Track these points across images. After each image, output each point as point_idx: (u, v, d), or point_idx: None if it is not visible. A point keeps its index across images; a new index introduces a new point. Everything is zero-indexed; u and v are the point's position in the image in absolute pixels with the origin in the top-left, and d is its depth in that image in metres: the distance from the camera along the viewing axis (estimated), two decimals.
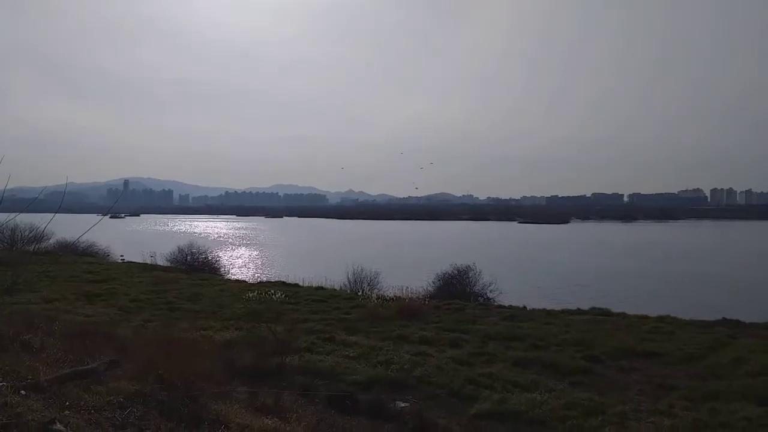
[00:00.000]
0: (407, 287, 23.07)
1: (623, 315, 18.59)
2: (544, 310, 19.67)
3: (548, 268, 43.25)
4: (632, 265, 45.92)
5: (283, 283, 26.54)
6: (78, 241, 29.73)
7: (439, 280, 24.88)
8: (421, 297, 20.45)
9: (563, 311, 19.50)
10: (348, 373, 10.31)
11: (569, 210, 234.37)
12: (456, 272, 24.85)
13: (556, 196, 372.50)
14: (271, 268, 41.16)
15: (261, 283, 27.19)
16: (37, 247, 27.05)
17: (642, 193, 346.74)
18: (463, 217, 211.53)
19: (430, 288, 24.25)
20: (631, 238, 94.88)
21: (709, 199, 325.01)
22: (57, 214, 6.96)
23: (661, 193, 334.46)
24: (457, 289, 23.85)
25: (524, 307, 20.25)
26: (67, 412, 4.18)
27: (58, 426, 3.75)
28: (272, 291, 20.26)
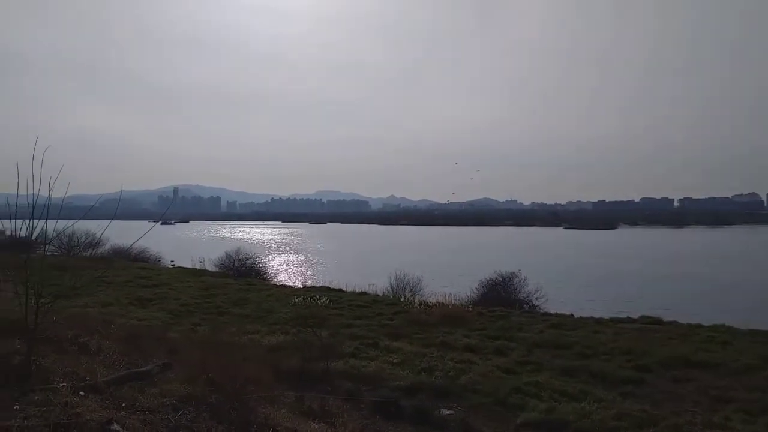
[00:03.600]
0: (450, 293, 22.97)
1: (675, 324, 17.98)
2: (591, 318, 19.23)
3: (595, 275, 42.26)
4: (683, 271, 44.39)
5: (328, 288, 26.78)
6: (131, 247, 30.86)
7: (482, 287, 24.64)
8: (464, 303, 20.32)
9: (612, 320, 19.01)
10: (392, 379, 10.34)
11: (617, 215, 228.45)
12: (500, 279, 24.56)
13: (603, 200, 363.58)
14: (315, 274, 41.61)
15: (306, 288, 27.51)
16: (93, 252, 28.19)
17: (693, 197, 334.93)
18: (506, 222, 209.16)
19: (473, 295, 24.05)
20: (682, 243, 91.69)
21: (765, 204, 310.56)
22: (111, 221, 7.28)
23: (714, 198, 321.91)
24: (501, 296, 23.57)
25: (571, 315, 19.84)
26: (123, 412, 4.37)
27: (115, 426, 3.93)
28: (317, 296, 20.48)
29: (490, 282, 24.71)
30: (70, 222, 6.79)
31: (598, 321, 18.49)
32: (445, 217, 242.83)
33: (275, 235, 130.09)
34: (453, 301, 20.81)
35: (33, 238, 5.74)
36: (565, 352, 13.39)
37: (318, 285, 29.43)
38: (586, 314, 20.30)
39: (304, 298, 19.70)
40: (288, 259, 59.10)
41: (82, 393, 4.56)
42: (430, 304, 18.91)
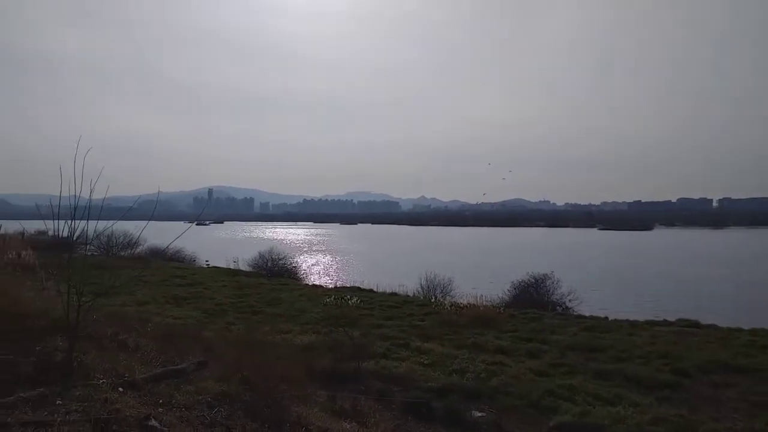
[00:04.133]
0: (481, 295, 22.80)
1: (714, 327, 17.48)
2: (627, 320, 18.83)
3: (630, 277, 41.39)
4: (722, 273, 43.13)
5: (359, 288, 26.88)
6: (168, 248, 31.51)
7: (514, 289, 24.39)
8: (496, 305, 20.14)
9: (648, 322, 18.58)
10: (423, 380, 10.32)
11: (653, 216, 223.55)
12: (533, 280, 24.26)
13: (639, 201, 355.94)
14: (346, 274, 41.79)
15: (337, 288, 27.66)
16: (130, 252, 28.94)
17: (733, 197, 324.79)
18: (539, 223, 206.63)
19: (505, 296, 23.83)
20: (720, 245, 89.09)
21: None
22: (148, 222, 7.46)
23: (755, 198, 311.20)
24: (533, 297, 23.27)
25: (606, 318, 19.48)
26: (160, 409, 4.48)
27: (153, 422, 4.03)
28: (348, 296, 20.62)
29: (522, 284, 24.44)
30: (110, 223, 6.97)
31: (634, 324, 18.10)
32: (476, 218, 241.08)
33: (307, 235, 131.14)
34: (484, 302, 20.65)
35: (74, 238, 5.92)
36: (599, 355, 13.16)
37: (349, 285, 29.57)
38: (621, 317, 19.90)
39: (335, 298, 19.92)
40: (319, 259, 59.50)
41: (121, 389, 4.69)
42: (461, 306, 18.79)
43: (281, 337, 12.46)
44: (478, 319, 16.62)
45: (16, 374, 4.61)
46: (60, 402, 4.18)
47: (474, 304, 19.25)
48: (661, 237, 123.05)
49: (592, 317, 19.74)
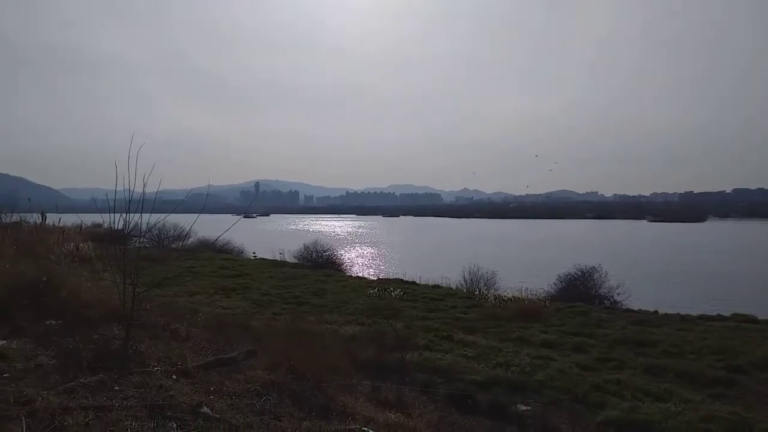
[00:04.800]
0: (526, 288, 22.51)
1: None
2: (678, 315, 18.26)
3: (681, 270, 40.01)
4: None
5: (401, 280, 26.93)
6: (217, 240, 32.28)
7: (560, 282, 23.94)
8: (541, 299, 19.85)
9: (700, 317, 17.99)
10: (467, 373, 10.29)
11: (706, 207, 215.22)
12: (579, 273, 23.77)
13: (691, 192, 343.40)
14: (389, 266, 41.89)
15: (380, 280, 27.79)
16: (180, 244, 29.80)
17: None
18: (587, 215, 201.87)
19: (551, 289, 23.44)
20: None
21: None
22: (195, 215, 7.68)
23: None
24: (580, 291, 22.81)
25: (655, 312, 18.93)
26: (211, 396, 4.62)
27: (205, 409, 4.17)
28: (391, 288, 20.72)
29: (568, 277, 23.97)
30: (162, 215, 7.20)
31: (685, 318, 17.56)
32: (521, 210, 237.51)
33: (350, 227, 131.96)
34: (529, 295, 20.39)
35: (128, 231, 6.15)
36: (648, 350, 12.83)
37: (391, 277, 29.64)
38: (671, 311, 19.30)
39: (378, 290, 20.05)
40: (362, 251, 59.83)
41: (174, 377, 4.86)
42: (506, 299, 18.62)
43: (326, 328, 12.62)
44: (523, 312, 16.43)
45: (78, 361, 4.84)
46: (117, 388, 4.37)
47: (519, 298, 19.06)
48: (714, 229, 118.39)
49: (640, 311, 19.23)
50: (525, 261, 45.55)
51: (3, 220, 13.69)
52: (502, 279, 24.84)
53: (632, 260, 45.23)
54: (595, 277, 23.41)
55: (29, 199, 16.07)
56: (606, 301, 22.30)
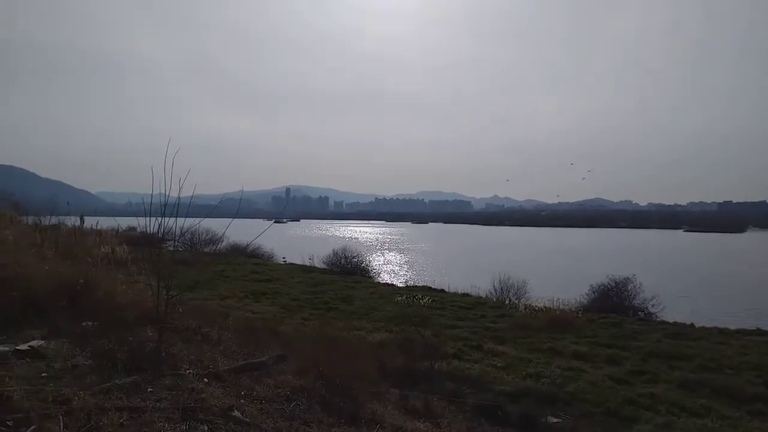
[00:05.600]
0: (558, 298, 22.17)
1: None
2: (715, 328, 17.76)
3: (719, 281, 38.87)
4: None
5: (429, 288, 26.83)
6: (249, 245, 32.68)
7: (593, 292, 23.50)
8: (573, 309, 19.52)
9: (739, 331, 17.44)
10: (496, 383, 10.17)
11: (746, 217, 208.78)
12: (613, 284, 23.30)
13: (730, 201, 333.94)
14: (417, 273, 41.75)
15: (408, 287, 27.73)
16: (212, 248, 30.25)
17: None
18: (621, 224, 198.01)
19: (583, 300, 23.04)
20: None
21: None
22: (227, 219, 7.79)
23: None
24: (613, 302, 22.36)
25: (692, 325, 18.43)
26: (242, 400, 4.66)
27: (236, 413, 4.20)
28: (419, 295, 20.62)
29: (601, 287, 23.52)
30: (197, 220, 7.31)
31: (723, 332, 17.05)
32: (553, 218, 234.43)
33: (379, 234, 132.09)
34: (561, 306, 20.07)
35: (163, 234, 6.26)
36: (684, 364, 12.49)
37: (420, 284, 29.56)
38: (708, 324, 18.77)
39: (407, 297, 19.94)
40: (391, 258, 59.78)
41: (205, 380, 4.92)
42: (536, 309, 18.37)
43: (354, 334, 12.63)
44: (554, 322, 16.18)
45: (113, 362, 4.94)
46: (151, 390, 4.44)
47: (550, 308, 18.79)
48: (754, 240, 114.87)
49: (676, 323, 18.76)
50: (556, 270, 44.91)
51: (43, 222, 14.11)
52: (533, 288, 24.50)
53: (668, 271, 44.18)
54: (629, 287, 22.93)
55: (68, 202, 16.55)
56: (640, 312, 21.82)
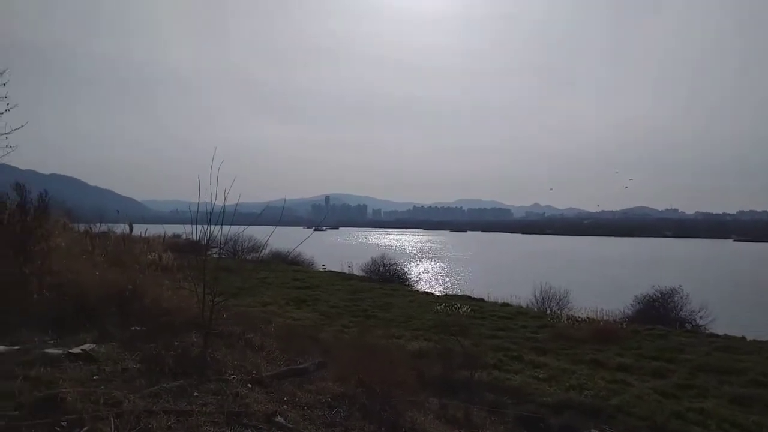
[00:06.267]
0: (601, 309, 21.66)
1: None
2: None
3: None
4: None
5: (469, 297, 26.57)
6: (291, 252, 33.09)
7: (638, 303, 22.89)
8: (617, 320, 19.04)
9: None
10: (538, 395, 10.00)
11: None
12: (658, 295, 22.65)
13: None
14: (456, 282, 41.46)
15: (447, 296, 27.55)
16: (256, 256, 30.72)
17: None
18: (666, 233, 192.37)
19: (627, 311, 22.46)
20: None
21: None
22: (269, 227, 7.93)
23: None
24: (659, 313, 21.72)
25: (743, 338, 17.72)
26: (285, 406, 4.73)
27: (279, 419, 4.26)
28: (458, 304, 20.45)
29: (646, 298, 22.89)
30: (241, 228, 7.47)
31: None
32: (596, 227, 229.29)
33: (417, 242, 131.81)
34: (604, 316, 19.59)
35: (208, 242, 6.43)
36: (735, 379, 12.01)
37: (459, 293, 29.32)
38: (761, 337, 18.00)
39: (445, 306, 19.83)
40: (429, 266, 59.53)
41: (249, 385, 5.01)
42: (579, 319, 17.98)
43: (393, 342, 12.63)
44: (597, 333, 15.80)
45: (161, 366, 5.08)
46: (197, 394, 4.55)
47: (593, 318, 18.36)
48: None
49: (726, 336, 18.05)
50: (599, 280, 43.90)
51: (93, 230, 14.62)
52: (575, 298, 24.01)
53: (716, 282, 42.64)
54: (676, 298, 22.24)
55: (117, 211, 17.10)
56: (687, 324, 21.11)
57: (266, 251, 34.70)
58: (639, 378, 11.84)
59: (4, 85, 10.05)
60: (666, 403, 9.93)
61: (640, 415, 9.25)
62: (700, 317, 21.33)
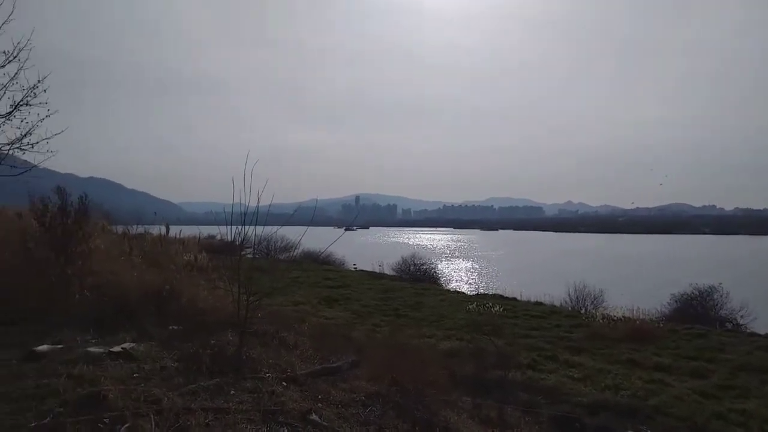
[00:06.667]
0: (637, 307, 21.23)
1: None
2: None
3: None
4: None
5: (501, 296, 26.34)
6: (323, 252, 33.33)
7: (675, 301, 22.38)
8: (654, 319, 18.63)
9: None
10: (573, 395, 9.87)
11: None
12: (697, 293, 22.09)
13: None
14: (487, 281, 41.17)
15: (479, 295, 27.38)
16: (289, 256, 31.07)
17: None
18: (704, 230, 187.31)
19: (664, 309, 21.96)
20: None
21: None
22: (300, 227, 8.00)
23: None
24: (697, 312, 21.18)
25: None
26: (319, 404, 4.77)
27: (314, 416, 4.30)
28: (490, 303, 20.29)
29: (684, 296, 22.36)
30: (274, 228, 7.57)
31: None
32: (630, 224, 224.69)
33: (447, 241, 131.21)
34: (641, 315, 19.19)
35: (242, 242, 6.53)
36: None
37: (490, 292, 29.11)
38: None
39: (477, 305, 19.71)
40: (460, 265, 59.23)
41: (284, 383, 5.07)
42: (615, 318, 17.66)
43: (425, 342, 12.61)
44: (634, 333, 15.51)
45: (198, 364, 5.18)
46: (233, 392, 4.63)
47: (629, 317, 18.00)
48: None
49: None
50: (634, 278, 43.02)
51: (130, 231, 14.97)
52: (610, 297, 23.60)
53: (757, 280, 41.32)
54: (715, 297, 21.67)
55: (155, 212, 17.48)
56: (727, 323, 20.55)
57: (298, 251, 35.07)
58: (677, 378, 11.58)
59: (45, 91, 10.40)
60: (706, 404, 9.70)
61: (679, 415, 9.05)
62: (741, 316, 20.74)
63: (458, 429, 5.07)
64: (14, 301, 6.78)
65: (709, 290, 21.94)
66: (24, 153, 11.12)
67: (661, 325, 17.40)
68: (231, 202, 5.95)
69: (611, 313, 18.49)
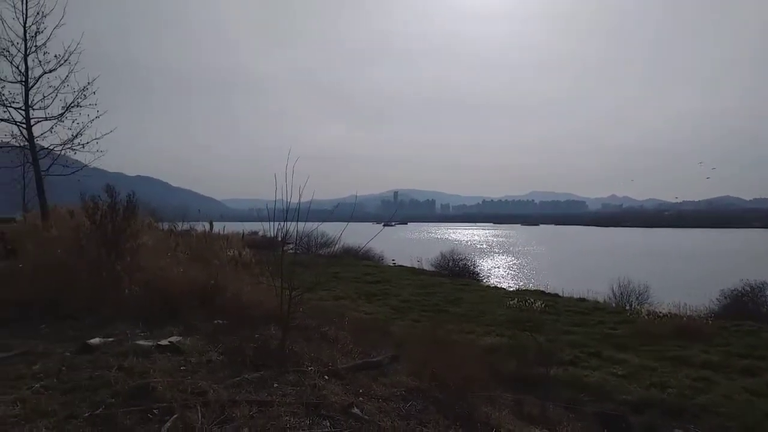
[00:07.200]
0: (684, 303, 20.65)
1: None
2: None
3: None
4: None
5: (542, 292, 26.03)
6: (362, 247, 33.61)
7: (725, 298, 21.66)
8: (702, 316, 18.09)
9: None
10: (617, 392, 9.70)
11: None
12: (748, 289, 21.32)
13: None
14: (528, 277, 40.65)
15: (519, 291, 27.10)
16: (328, 251, 31.46)
17: None
18: (755, 224, 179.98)
19: (713, 306, 21.28)
20: None
21: None
22: (339, 223, 8.07)
23: None
24: (748, 308, 20.45)
25: None
26: (360, 398, 4.81)
27: (356, 410, 4.35)
28: (531, 299, 20.06)
29: (734, 292, 21.62)
30: (314, 224, 7.66)
31: None
32: (677, 219, 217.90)
33: (486, 236, 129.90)
34: (688, 312, 18.66)
35: (284, 238, 6.64)
36: None
37: (531, 288, 28.76)
38: None
39: (518, 301, 19.52)
40: (499, 260, 58.62)
41: (326, 377, 5.15)
42: (661, 315, 17.21)
43: (465, 337, 12.57)
44: (680, 330, 15.11)
45: (242, 358, 5.31)
46: (276, 385, 4.72)
47: (676, 314, 17.53)
48: None
49: None
50: (682, 274, 41.76)
51: (176, 228, 15.36)
52: (656, 293, 23.01)
53: None
54: (767, 293, 20.87)
55: (199, 210, 17.94)
56: None
57: (338, 246, 35.40)
58: (727, 376, 11.24)
59: (94, 93, 10.77)
60: (758, 403, 9.38)
61: (728, 414, 8.79)
62: None
63: (499, 425, 5.04)
64: (68, 297, 7.06)
65: (761, 286, 21.16)
66: (75, 153, 11.60)
67: (710, 321, 16.88)
68: (273, 199, 6.06)
69: (657, 310, 18.04)
